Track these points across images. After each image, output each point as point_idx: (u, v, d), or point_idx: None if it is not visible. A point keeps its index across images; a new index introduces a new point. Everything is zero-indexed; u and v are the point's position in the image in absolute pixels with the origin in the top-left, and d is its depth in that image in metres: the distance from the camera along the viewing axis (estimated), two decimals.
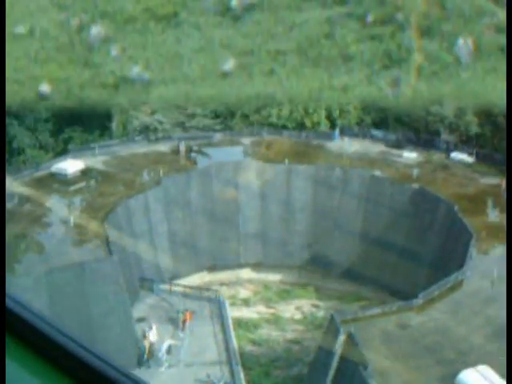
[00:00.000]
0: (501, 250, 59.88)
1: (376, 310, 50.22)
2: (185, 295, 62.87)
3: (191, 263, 73.51)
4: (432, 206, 67.97)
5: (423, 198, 69.27)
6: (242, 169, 75.83)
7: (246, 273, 78.23)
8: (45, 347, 2.69)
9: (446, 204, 66.36)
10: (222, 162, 76.99)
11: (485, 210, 68.88)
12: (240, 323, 66.65)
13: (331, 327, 48.25)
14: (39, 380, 2.61)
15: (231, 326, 59.45)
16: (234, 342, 56.42)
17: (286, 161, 76.83)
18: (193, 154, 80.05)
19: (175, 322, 57.45)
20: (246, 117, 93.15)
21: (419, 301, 50.76)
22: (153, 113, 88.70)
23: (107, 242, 58.50)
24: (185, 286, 64.58)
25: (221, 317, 59.16)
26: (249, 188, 75.69)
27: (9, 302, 2.79)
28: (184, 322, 57.12)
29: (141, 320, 57.67)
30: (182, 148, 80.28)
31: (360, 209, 73.97)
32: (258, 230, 76.32)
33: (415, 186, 72.45)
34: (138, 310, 59.67)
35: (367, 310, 51.40)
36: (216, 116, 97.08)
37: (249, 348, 63.03)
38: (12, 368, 2.59)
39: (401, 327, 47.88)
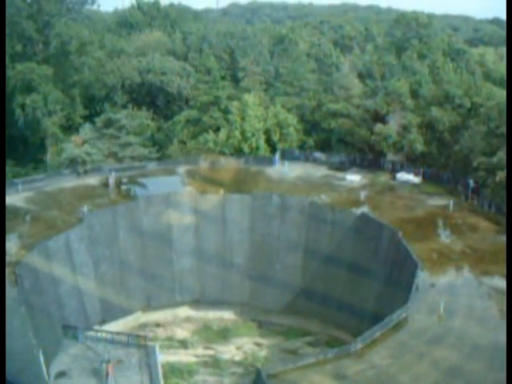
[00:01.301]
0: (449, 278, 54.46)
1: (310, 360, 43.64)
2: (112, 342, 56.00)
3: (123, 305, 66.81)
4: (375, 233, 62.22)
5: (366, 224, 63.45)
6: (174, 201, 69.44)
7: (184, 311, 71.84)
8: None
9: (390, 231, 60.56)
10: (152, 194, 70.44)
11: (432, 234, 63.05)
12: (174, 369, 60.13)
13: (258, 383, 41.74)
14: None
15: (161, 376, 52.78)
16: None
17: (222, 191, 70.39)
18: (123, 187, 73.20)
19: (100, 373, 50.49)
20: (183, 143, 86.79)
21: (358, 345, 44.47)
22: (83, 144, 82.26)
23: (17, 291, 51.44)
24: (112, 332, 57.63)
25: (150, 365, 52.34)
26: (182, 221, 69.27)
27: None
28: (107, 374, 50.15)
29: (61, 375, 50.74)
30: (112, 180, 73.64)
31: (301, 238, 68.08)
32: (193, 266, 70.11)
33: (357, 211, 66.52)
34: (60, 363, 52.70)
35: (300, 359, 44.73)
36: (153, 144, 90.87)
37: None
38: None
39: (337, 378, 41.43)
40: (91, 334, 57.62)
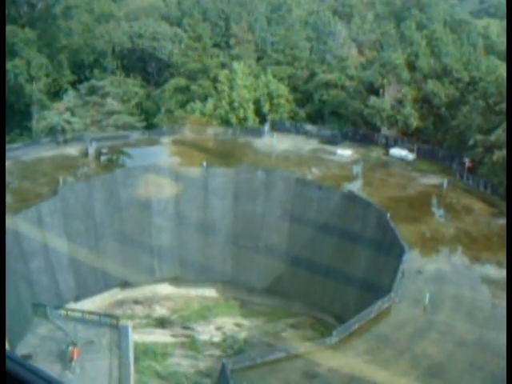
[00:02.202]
0: (437, 265, 50.24)
1: (280, 354, 39.64)
2: (83, 321, 52.07)
3: (98, 281, 63.09)
4: (362, 213, 58.06)
5: (353, 203, 59.22)
6: (154, 174, 64.88)
7: (164, 288, 67.99)
8: None
9: (378, 211, 56.35)
10: (131, 166, 66.12)
11: (423, 215, 58.73)
12: (147, 351, 56.59)
13: (222, 378, 37.84)
14: None
15: (132, 359, 49.19)
16: (132, 380, 46.06)
17: (204, 163, 65.99)
18: (103, 157, 68.81)
19: (66, 357, 46.67)
20: (170, 112, 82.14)
21: (333, 339, 40.47)
22: (68, 110, 77.66)
23: None
24: (83, 311, 53.72)
25: (121, 347, 48.48)
26: (161, 195, 65.00)
27: (9, 364, 2.58)
28: (71, 359, 46.28)
29: (25, 359, 46.54)
30: (92, 151, 69.27)
31: (285, 215, 63.89)
32: (173, 242, 66.08)
33: (345, 189, 62.16)
34: (26, 345, 48.89)
35: (270, 354, 40.66)
36: (141, 112, 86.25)
37: None
38: None
39: (307, 377, 37.48)
40: (62, 312, 53.74)
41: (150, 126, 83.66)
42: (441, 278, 48.45)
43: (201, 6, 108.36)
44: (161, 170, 65.68)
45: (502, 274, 48.87)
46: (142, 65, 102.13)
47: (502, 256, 51.24)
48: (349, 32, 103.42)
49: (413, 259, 49.98)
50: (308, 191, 62.69)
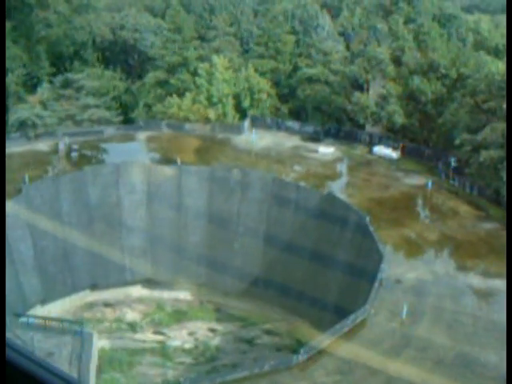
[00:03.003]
0: (418, 273, 46.45)
1: (242, 373, 35.87)
2: (45, 330, 48.17)
3: (66, 283, 59.21)
4: (341, 216, 54.12)
5: (332, 205, 55.38)
6: (125, 172, 61.03)
7: (137, 290, 64.11)
8: None
9: (357, 214, 52.56)
10: (101, 164, 62.26)
11: (406, 218, 54.90)
12: (113, 361, 52.72)
13: None
14: None
15: (94, 372, 45.48)
16: None
17: (179, 161, 62.08)
18: (73, 154, 64.80)
19: None
20: (149, 107, 78.07)
21: (301, 357, 36.67)
22: (41, 104, 73.63)
23: None
24: (44, 318, 49.83)
25: (82, 359, 44.59)
26: (133, 195, 61.10)
27: (9, 352, 2.53)
28: None
29: None
30: (62, 147, 65.35)
31: (262, 217, 60.12)
32: (145, 243, 62.30)
33: (324, 190, 58.31)
34: None
35: (232, 372, 36.89)
36: (120, 106, 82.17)
37: None
38: None
39: None
40: (23, 319, 50.00)
41: (127, 121, 79.73)
42: (421, 288, 44.78)
43: None
44: (133, 168, 61.73)
45: (487, 283, 45.34)
46: (124, 57, 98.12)
47: (487, 264, 47.87)
48: (336, 26, 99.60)
49: (392, 267, 46.22)
50: (285, 192, 58.88)
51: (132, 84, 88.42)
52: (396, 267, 46.71)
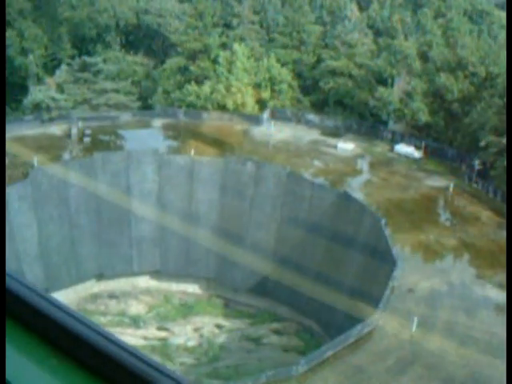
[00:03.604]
0: (432, 283, 43.48)
1: None
2: None
3: (71, 273, 57.15)
4: (356, 216, 51.35)
5: (347, 205, 52.50)
6: (137, 160, 58.66)
7: (145, 281, 62.15)
8: (46, 328, 2.37)
9: (372, 216, 49.58)
10: (111, 151, 59.95)
11: (424, 222, 51.83)
12: None
13: None
14: (41, 363, 2.32)
15: None
16: None
17: (192, 151, 59.58)
18: (86, 139, 62.59)
19: None
20: (167, 93, 75.45)
21: (300, 368, 34.03)
22: (58, 87, 71.42)
23: None
24: None
25: None
26: (143, 184, 58.87)
27: (9, 282, 2.47)
28: None
29: None
30: (75, 131, 63.14)
31: (275, 213, 57.53)
32: (154, 234, 60.03)
33: (340, 188, 55.43)
34: None
35: None
36: (139, 91, 79.70)
37: None
38: (12, 351, 2.34)
39: None
40: None
41: (147, 107, 77.15)
42: (435, 298, 41.91)
43: None
44: (144, 156, 59.35)
45: (505, 297, 42.12)
46: (148, 42, 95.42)
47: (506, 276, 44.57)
48: (366, 18, 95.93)
49: (405, 274, 43.30)
50: (300, 188, 56.09)
51: (154, 69, 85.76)
52: (410, 275, 43.80)
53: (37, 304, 2.39)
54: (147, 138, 65.56)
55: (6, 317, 2.42)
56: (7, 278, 2.48)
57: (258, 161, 59.08)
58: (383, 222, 48.27)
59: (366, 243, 49.33)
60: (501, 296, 42.27)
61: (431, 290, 42.52)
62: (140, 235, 59.51)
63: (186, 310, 59.69)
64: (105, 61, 79.19)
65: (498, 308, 41.46)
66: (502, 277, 44.56)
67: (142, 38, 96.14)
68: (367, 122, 70.70)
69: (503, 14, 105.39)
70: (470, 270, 46.10)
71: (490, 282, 44.40)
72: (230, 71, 70.41)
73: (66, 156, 61.31)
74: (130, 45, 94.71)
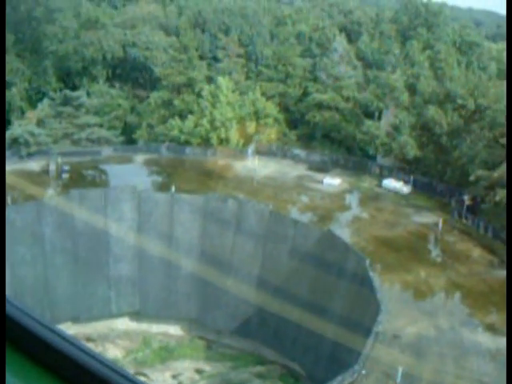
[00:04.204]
0: (419, 328, 40.67)
1: None
2: None
3: (44, 316, 53.61)
4: (340, 257, 48.46)
5: (330, 245, 49.91)
6: (115, 197, 56.06)
7: (123, 323, 58.92)
8: (46, 356, 2.37)
9: (357, 256, 46.81)
10: (89, 188, 57.40)
11: (411, 262, 49.16)
12: None
13: None
14: None
15: None
16: None
17: (173, 188, 57.10)
18: (64, 175, 60.13)
19: None
20: (151, 128, 73.23)
21: None
22: (39, 121, 69.20)
23: None
24: None
25: None
26: (122, 222, 56.11)
27: (9, 309, 2.46)
28: None
29: None
30: (53, 167, 60.63)
31: (257, 253, 54.84)
32: (133, 273, 57.02)
33: (323, 227, 52.86)
34: None
35: None
36: (124, 126, 77.53)
37: None
38: (12, 379, 2.33)
39: None
40: None
41: (131, 142, 74.97)
42: (421, 345, 39.06)
43: (202, 17, 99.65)
44: (122, 194, 56.79)
45: (497, 343, 39.46)
46: (135, 75, 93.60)
47: (498, 319, 41.94)
48: (356, 50, 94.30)
49: (390, 319, 40.50)
50: (283, 227, 53.45)
51: (139, 103, 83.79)
52: (395, 319, 41.05)
53: (38, 332, 2.33)
54: (128, 174, 63.20)
55: (6, 344, 2.34)
56: (7, 304, 2.39)
57: (239, 198, 56.62)
58: (368, 262, 45.56)
59: (350, 285, 46.63)
60: (491, 341, 39.58)
61: (418, 335, 39.76)
62: (118, 275, 56.72)
63: (166, 353, 56.62)
64: (89, 94, 77.14)
65: (488, 355, 38.70)
66: (493, 319, 42.03)
67: (129, 71, 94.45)
68: (355, 156, 68.42)
69: (493, 46, 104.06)
70: (459, 313, 43.30)
71: (480, 325, 41.68)
72: (213, 105, 68.22)
73: (42, 193, 58.73)
74: (116, 78, 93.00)
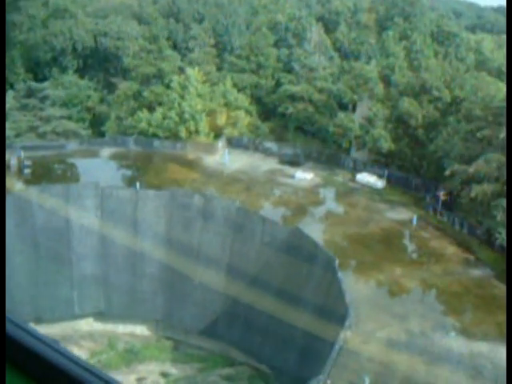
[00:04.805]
0: (389, 332, 38.28)
1: None
2: None
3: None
4: (309, 256, 45.98)
5: (299, 243, 47.12)
6: (76, 194, 53.13)
7: (88, 324, 56.28)
8: (47, 374, 2.34)
9: (326, 256, 44.33)
10: (49, 185, 54.55)
11: (383, 261, 46.77)
12: None
13: None
14: None
15: None
16: None
17: (138, 183, 54.34)
18: (26, 171, 57.15)
19: None
20: (120, 120, 70.24)
21: None
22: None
23: None
24: None
25: None
26: (84, 219, 53.20)
27: (9, 327, 2.44)
28: None
29: None
30: (14, 162, 57.51)
31: (225, 250, 52.34)
32: (97, 272, 54.27)
33: (293, 224, 50.36)
34: None
35: None
36: (93, 118, 74.44)
37: None
38: None
39: None
40: None
41: (99, 134, 71.95)
42: (391, 352, 36.54)
43: (176, 6, 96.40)
44: (84, 190, 53.92)
45: (470, 347, 37.28)
46: (106, 66, 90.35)
47: (472, 322, 39.82)
48: (333, 41, 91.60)
49: (359, 323, 38.10)
50: (250, 224, 50.93)
51: (110, 94, 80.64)
52: (364, 323, 38.69)
53: (38, 350, 2.28)
54: (93, 169, 60.35)
55: (6, 363, 2.30)
56: (7, 323, 2.34)
57: (206, 194, 53.97)
58: (337, 262, 43.06)
59: (318, 287, 44.30)
60: (464, 347, 37.29)
61: (387, 340, 37.38)
62: (81, 274, 54.02)
63: (131, 356, 53.96)
64: (57, 86, 73.93)
65: (460, 360, 36.40)
66: (467, 324, 39.80)
67: (101, 62, 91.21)
68: (329, 149, 65.82)
69: (471, 37, 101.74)
70: (431, 316, 40.93)
71: (453, 329, 39.33)
72: (182, 97, 65.29)
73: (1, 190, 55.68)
74: (88, 68, 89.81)
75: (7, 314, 2.38)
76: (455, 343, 37.95)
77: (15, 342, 2.28)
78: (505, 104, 52.95)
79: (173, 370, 52.67)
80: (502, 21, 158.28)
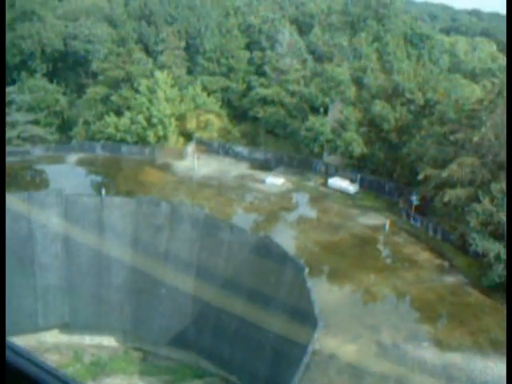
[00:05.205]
0: (359, 344, 36.63)
1: None
2: None
3: None
4: (279, 264, 44.28)
5: (268, 252, 45.56)
6: (39, 202, 51.04)
7: (53, 336, 54.09)
8: None
9: (295, 264, 42.65)
10: (12, 192, 52.37)
11: (354, 268, 45.19)
12: None
13: None
14: None
15: None
16: None
17: (103, 191, 52.30)
18: None
19: None
20: (88, 125, 68.07)
21: None
22: None
23: None
24: None
25: None
26: (47, 228, 51.13)
27: (9, 354, 2.46)
28: None
29: None
30: None
31: (192, 258, 50.55)
32: (62, 283, 52.24)
33: (261, 233, 48.67)
34: None
35: None
36: (62, 123, 72.22)
37: None
38: None
39: None
40: None
41: (67, 139, 69.78)
42: (361, 365, 34.90)
43: (147, 8, 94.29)
44: (48, 198, 51.81)
45: (443, 359, 35.79)
46: (77, 69, 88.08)
47: (446, 332, 38.38)
48: (307, 43, 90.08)
49: (328, 336, 36.44)
50: (218, 232, 49.11)
51: (79, 99, 78.46)
52: (334, 336, 37.01)
53: (37, 376, 2.30)
54: (59, 176, 58.23)
55: None
56: (7, 350, 2.35)
57: (172, 202, 52.09)
58: (306, 271, 41.42)
59: (287, 297, 42.55)
60: (437, 358, 35.77)
61: (358, 353, 35.75)
62: (46, 284, 51.92)
63: (98, 368, 51.96)
64: (24, 90, 71.63)
65: (433, 373, 34.84)
66: (440, 334, 38.33)
67: (71, 65, 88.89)
68: (300, 153, 64.19)
69: (446, 39, 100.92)
70: (403, 326, 39.38)
71: (425, 340, 37.82)
72: (151, 101, 63.36)
73: None
74: (57, 72, 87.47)
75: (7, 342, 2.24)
76: (428, 354, 36.44)
77: (15, 369, 2.24)
78: (478, 107, 51.94)
79: (141, 383, 50.76)
80: (476, 23, 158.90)
